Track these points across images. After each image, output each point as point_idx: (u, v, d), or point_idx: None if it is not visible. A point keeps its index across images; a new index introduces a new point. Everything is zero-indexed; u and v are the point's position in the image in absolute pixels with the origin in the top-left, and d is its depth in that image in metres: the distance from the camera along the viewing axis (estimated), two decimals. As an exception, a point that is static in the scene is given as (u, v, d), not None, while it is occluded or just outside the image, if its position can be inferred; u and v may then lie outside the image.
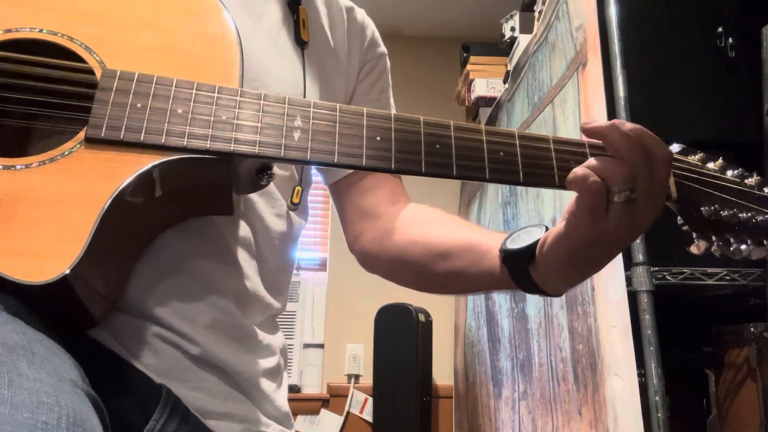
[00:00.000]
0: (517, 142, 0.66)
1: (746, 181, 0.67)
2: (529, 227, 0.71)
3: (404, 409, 2.74)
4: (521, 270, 0.69)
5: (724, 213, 0.65)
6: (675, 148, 0.70)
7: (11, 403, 0.43)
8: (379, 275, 0.90)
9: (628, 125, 0.63)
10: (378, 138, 0.63)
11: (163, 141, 0.59)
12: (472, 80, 2.78)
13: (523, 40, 2.25)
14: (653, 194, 0.62)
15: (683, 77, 1.58)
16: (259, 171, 0.67)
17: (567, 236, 0.64)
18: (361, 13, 0.97)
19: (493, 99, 2.64)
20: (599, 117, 1.42)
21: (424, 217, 0.86)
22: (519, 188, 2.09)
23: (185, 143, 0.59)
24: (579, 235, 0.63)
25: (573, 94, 1.61)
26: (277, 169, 0.71)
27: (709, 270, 1.45)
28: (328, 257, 3.30)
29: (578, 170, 0.61)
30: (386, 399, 2.81)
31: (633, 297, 1.35)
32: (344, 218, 0.93)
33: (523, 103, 2.11)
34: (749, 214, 0.65)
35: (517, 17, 2.46)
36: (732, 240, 0.66)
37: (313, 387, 3.05)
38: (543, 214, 1.81)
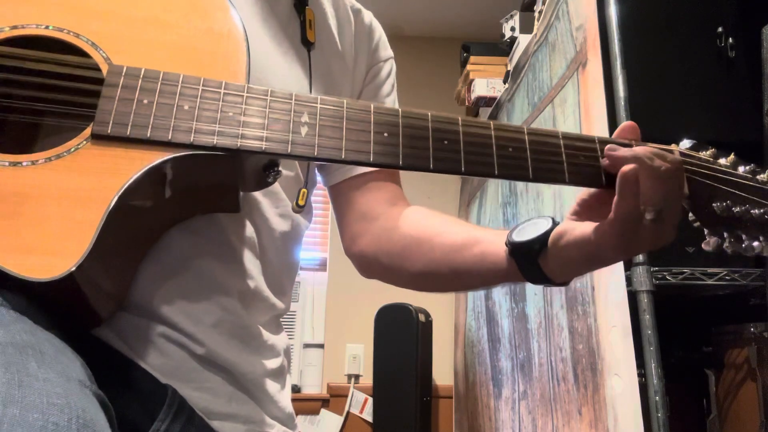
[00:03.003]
0: (526, 137, 0.65)
1: (758, 176, 0.67)
2: (534, 219, 0.71)
3: (404, 409, 2.74)
4: (531, 261, 0.69)
5: (736, 209, 0.65)
6: (686, 143, 0.70)
7: (22, 403, 0.42)
8: (377, 278, 0.90)
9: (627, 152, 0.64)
10: (385, 134, 0.63)
11: (169, 137, 0.59)
12: (472, 80, 2.78)
13: (523, 40, 2.26)
14: (674, 204, 0.63)
15: (683, 77, 1.58)
16: (265, 168, 0.66)
17: (592, 241, 0.64)
18: (368, 16, 0.96)
19: (493, 99, 2.64)
20: (599, 117, 1.43)
21: (423, 216, 0.86)
22: (519, 188, 2.09)
23: (192, 139, 0.59)
24: (604, 242, 0.63)
25: (573, 94, 1.61)
26: (283, 169, 0.71)
27: (709, 270, 1.45)
28: (328, 257, 3.29)
29: (629, 172, 0.62)
30: (386, 399, 2.80)
31: (633, 297, 1.35)
32: (342, 220, 0.93)
33: (523, 103, 2.11)
34: (761, 211, 0.65)
35: (517, 17, 2.46)
36: (744, 237, 0.66)
37: (313, 387, 3.04)
38: (543, 213, 1.81)
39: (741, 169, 0.68)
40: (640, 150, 0.64)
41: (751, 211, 0.65)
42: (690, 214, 0.68)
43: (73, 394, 0.46)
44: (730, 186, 0.67)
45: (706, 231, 0.68)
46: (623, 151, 0.64)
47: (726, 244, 0.66)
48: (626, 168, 0.62)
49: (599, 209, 0.67)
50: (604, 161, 0.66)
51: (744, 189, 0.66)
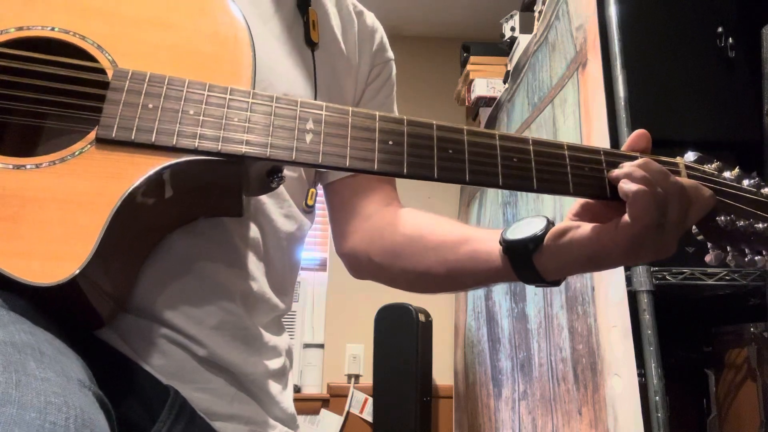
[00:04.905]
0: (532, 148, 0.65)
1: (762, 190, 0.67)
2: (528, 218, 0.71)
3: (404, 409, 2.74)
4: (525, 259, 0.69)
5: (740, 223, 0.65)
6: (691, 156, 0.70)
7: (19, 403, 0.42)
8: (368, 278, 0.90)
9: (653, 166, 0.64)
10: (390, 142, 0.63)
11: (174, 143, 0.59)
12: (472, 80, 2.78)
13: (523, 40, 2.26)
14: (682, 227, 0.63)
15: (683, 77, 1.58)
16: (269, 173, 0.66)
17: (597, 241, 0.64)
18: (370, 17, 0.97)
19: (493, 99, 2.64)
20: (599, 117, 1.43)
21: (417, 215, 0.86)
22: (519, 188, 2.09)
23: (196, 145, 0.59)
24: (613, 243, 0.63)
25: (573, 94, 1.61)
26: (286, 171, 0.71)
27: (709, 270, 1.45)
28: (328, 257, 3.30)
29: (636, 190, 0.61)
30: (386, 399, 2.80)
31: (633, 297, 1.35)
32: (334, 218, 0.93)
33: (523, 103, 2.11)
34: (765, 225, 0.65)
35: (517, 17, 2.46)
36: (747, 251, 0.66)
37: (313, 387, 3.04)
38: (543, 214, 1.81)
39: (746, 183, 0.68)
40: (639, 163, 0.64)
41: (755, 225, 0.65)
42: (693, 227, 0.68)
43: (72, 394, 0.46)
44: (734, 200, 0.67)
45: (709, 245, 0.68)
46: (617, 172, 0.65)
47: (729, 258, 0.66)
48: (631, 183, 0.62)
49: (600, 213, 0.68)
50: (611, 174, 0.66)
51: (748, 203, 0.66)
